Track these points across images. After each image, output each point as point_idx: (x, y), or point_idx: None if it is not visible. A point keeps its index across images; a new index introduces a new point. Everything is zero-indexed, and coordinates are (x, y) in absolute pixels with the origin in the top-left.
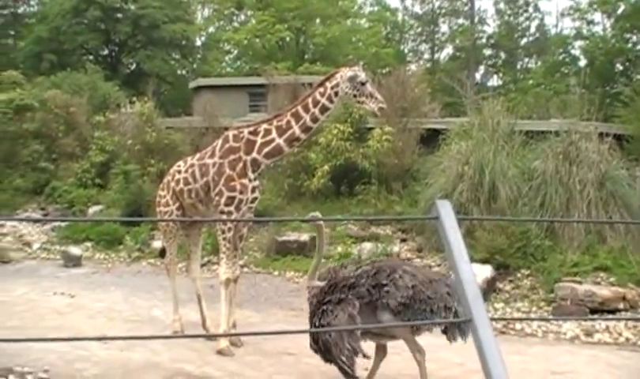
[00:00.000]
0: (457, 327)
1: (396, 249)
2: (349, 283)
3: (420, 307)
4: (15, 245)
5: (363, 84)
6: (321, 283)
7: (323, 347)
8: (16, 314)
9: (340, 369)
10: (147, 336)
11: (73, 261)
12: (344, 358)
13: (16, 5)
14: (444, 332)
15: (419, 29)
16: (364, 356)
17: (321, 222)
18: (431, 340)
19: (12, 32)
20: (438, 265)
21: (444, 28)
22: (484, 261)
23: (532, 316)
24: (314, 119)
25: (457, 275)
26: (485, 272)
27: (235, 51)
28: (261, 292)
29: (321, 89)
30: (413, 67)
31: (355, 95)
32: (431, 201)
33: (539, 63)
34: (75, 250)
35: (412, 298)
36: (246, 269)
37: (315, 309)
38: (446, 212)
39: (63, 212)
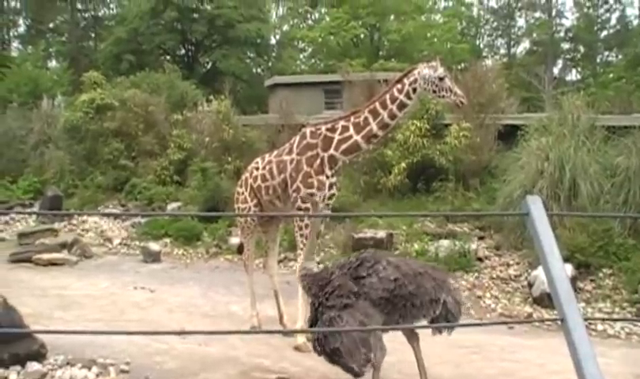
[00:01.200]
0: (443, 319)
1: (473, 246)
2: (350, 289)
3: (401, 302)
4: (97, 241)
5: (441, 78)
6: (315, 269)
7: (333, 354)
8: (99, 308)
9: (349, 372)
10: (225, 331)
11: (153, 257)
12: (355, 367)
13: (96, 8)
14: (431, 322)
15: (495, 24)
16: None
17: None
18: (513, 340)
19: (92, 34)
20: (517, 263)
21: (521, 21)
22: (565, 260)
23: (615, 316)
24: (392, 116)
25: (548, 272)
26: (566, 270)
27: (310, 49)
28: None
29: (399, 85)
30: (489, 62)
31: (434, 91)
32: (509, 198)
33: (620, 56)
34: (154, 246)
35: (393, 292)
36: (322, 266)
37: (316, 311)
38: (536, 207)
39: (143, 208)
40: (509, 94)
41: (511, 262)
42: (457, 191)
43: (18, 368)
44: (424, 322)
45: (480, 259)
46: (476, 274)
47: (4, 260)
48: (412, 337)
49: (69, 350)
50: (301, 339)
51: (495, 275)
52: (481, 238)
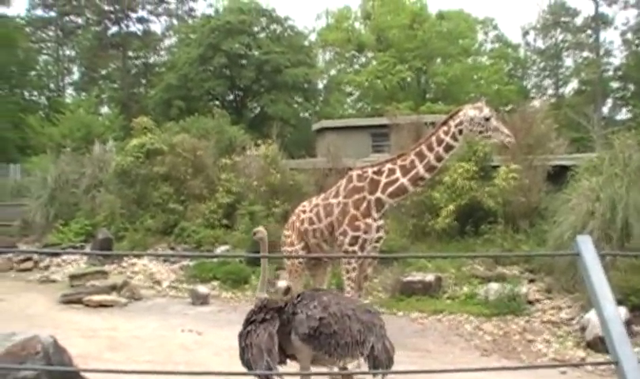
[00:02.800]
0: (371, 364)
1: (524, 289)
2: (277, 307)
3: (326, 340)
4: (146, 283)
5: (487, 119)
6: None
7: (247, 363)
8: (147, 349)
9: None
10: (276, 372)
11: (201, 299)
12: (261, 372)
13: (147, 56)
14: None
15: (542, 64)
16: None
17: (264, 236)
18: None
19: (143, 81)
20: (569, 307)
21: (568, 61)
22: (619, 303)
23: None
24: (439, 158)
25: (600, 314)
26: (619, 312)
27: (357, 93)
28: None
29: (445, 128)
30: (537, 103)
31: (480, 131)
32: (559, 240)
33: None
34: (202, 289)
35: (317, 330)
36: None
37: (243, 328)
38: (587, 247)
39: (192, 251)
40: (557, 134)
41: (563, 305)
42: (506, 233)
43: None
44: (354, 363)
45: (530, 302)
46: (527, 317)
47: (55, 301)
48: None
49: None
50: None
51: (546, 319)
52: (532, 281)
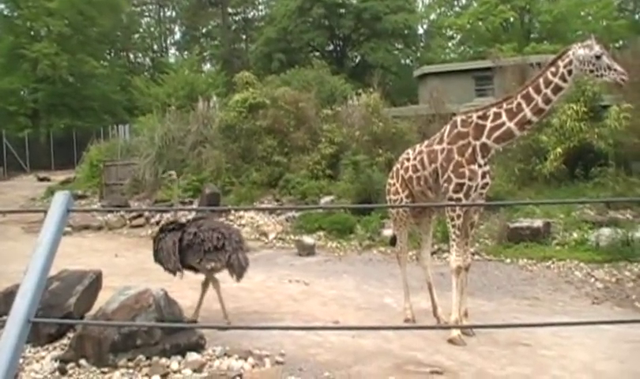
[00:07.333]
0: (231, 267)
1: (638, 234)
2: (180, 223)
3: (197, 247)
4: (253, 236)
5: (598, 57)
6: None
7: (159, 260)
8: (256, 300)
9: (167, 270)
10: (378, 327)
11: (307, 250)
12: (170, 267)
13: (246, 11)
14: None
15: None
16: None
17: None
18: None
19: (243, 36)
20: None
21: None
22: None
23: None
24: (547, 100)
25: None
26: None
27: (459, 36)
28: (493, 280)
29: (553, 68)
30: None
31: (591, 70)
32: None
33: None
34: (308, 239)
35: (192, 240)
36: (477, 257)
37: (156, 235)
38: None
39: (297, 202)
40: None
41: None
42: (618, 176)
43: (179, 358)
44: (216, 264)
45: None
46: None
47: None
48: (213, 278)
49: (227, 341)
50: (455, 331)
51: None
52: None
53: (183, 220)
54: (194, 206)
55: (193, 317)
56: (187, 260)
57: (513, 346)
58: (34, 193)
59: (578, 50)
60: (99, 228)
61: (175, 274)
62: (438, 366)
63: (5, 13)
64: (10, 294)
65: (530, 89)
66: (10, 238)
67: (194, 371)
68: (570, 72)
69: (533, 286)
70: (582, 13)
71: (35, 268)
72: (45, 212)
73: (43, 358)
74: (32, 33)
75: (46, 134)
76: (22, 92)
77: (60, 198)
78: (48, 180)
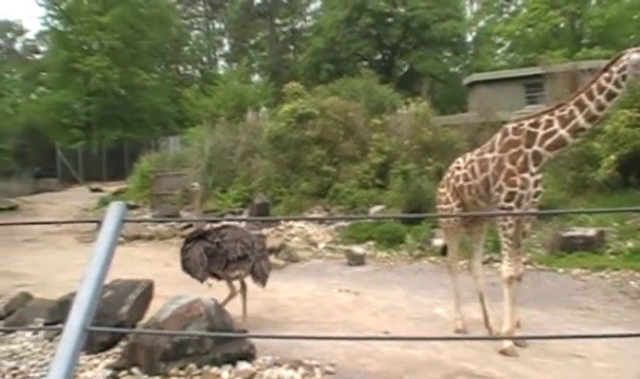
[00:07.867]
0: (254, 275)
1: None
2: (203, 233)
3: (220, 258)
4: (303, 245)
5: None
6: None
7: (188, 270)
8: (305, 310)
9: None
10: (429, 337)
11: (357, 260)
12: (199, 276)
13: (294, 22)
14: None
15: None
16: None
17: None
18: None
19: (291, 47)
20: None
21: None
22: None
23: None
24: (600, 107)
25: None
26: None
27: (508, 43)
28: (546, 290)
29: (607, 74)
30: None
31: None
32: None
33: None
34: (358, 249)
35: (215, 251)
36: (529, 266)
37: (183, 245)
38: None
39: (346, 212)
40: None
41: None
42: None
43: (229, 367)
44: (240, 271)
45: None
46: None
47: None
48: (243, 286)
49: (277, 351)
50: (508, 342)
51: None
52: None
53: (207, 228)
54: (244, 216)
55: (242, 326)
56: (211, 269)
57: (566, 357)
58: (86, 203)
59: (633, 55)
60: (150, 238)
61: (202, 282)
62: (489, 378)
63: (60, 28)
64: (66, 303)
65: (583, 96)
66: (63, 247)
67: None
68: (624, 77)
69: (587, 296)
70: (635, 17)
71: (91, 277)
72: (99, 222)
73: (96, 365)
74: (85, 47)
75: (98, 146)
76: (75, 105)
77: (115, 209)
78: (100, 191)
